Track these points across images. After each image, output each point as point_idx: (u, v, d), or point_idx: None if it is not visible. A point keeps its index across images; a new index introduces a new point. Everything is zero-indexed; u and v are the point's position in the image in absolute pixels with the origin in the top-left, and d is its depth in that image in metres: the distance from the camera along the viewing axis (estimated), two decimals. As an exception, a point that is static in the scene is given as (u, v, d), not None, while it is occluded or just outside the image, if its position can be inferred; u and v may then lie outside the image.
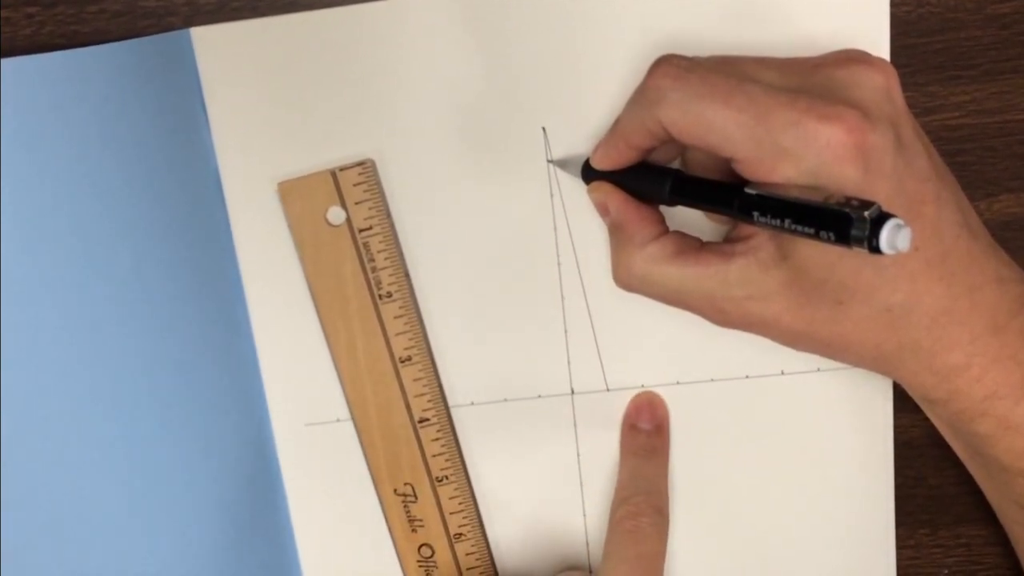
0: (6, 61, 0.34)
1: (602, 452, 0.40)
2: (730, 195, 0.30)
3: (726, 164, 0.31)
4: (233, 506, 0.39)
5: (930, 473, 0.40)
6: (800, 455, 0.39)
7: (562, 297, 0.39)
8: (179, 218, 0.37)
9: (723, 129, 0.30)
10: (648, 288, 0.34)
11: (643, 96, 0.32)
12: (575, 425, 0.40)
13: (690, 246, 0.33)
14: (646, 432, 0.39)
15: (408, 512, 0.40)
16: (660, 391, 0.39)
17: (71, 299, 0.36)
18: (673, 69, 0.31)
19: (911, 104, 0.36)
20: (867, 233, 0.26)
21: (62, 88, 0.35)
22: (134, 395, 0.37)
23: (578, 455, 0.40)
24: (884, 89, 0.30)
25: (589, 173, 0.36)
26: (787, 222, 0.28)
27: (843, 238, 0.27)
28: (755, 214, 0.30)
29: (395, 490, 0.40)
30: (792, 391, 0.39)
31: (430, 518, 0.40)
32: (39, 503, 0.37)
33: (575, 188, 0.37)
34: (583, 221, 0.38)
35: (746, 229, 0.32)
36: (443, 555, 0.40)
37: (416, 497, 0.40)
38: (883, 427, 0.39)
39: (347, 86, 0.37)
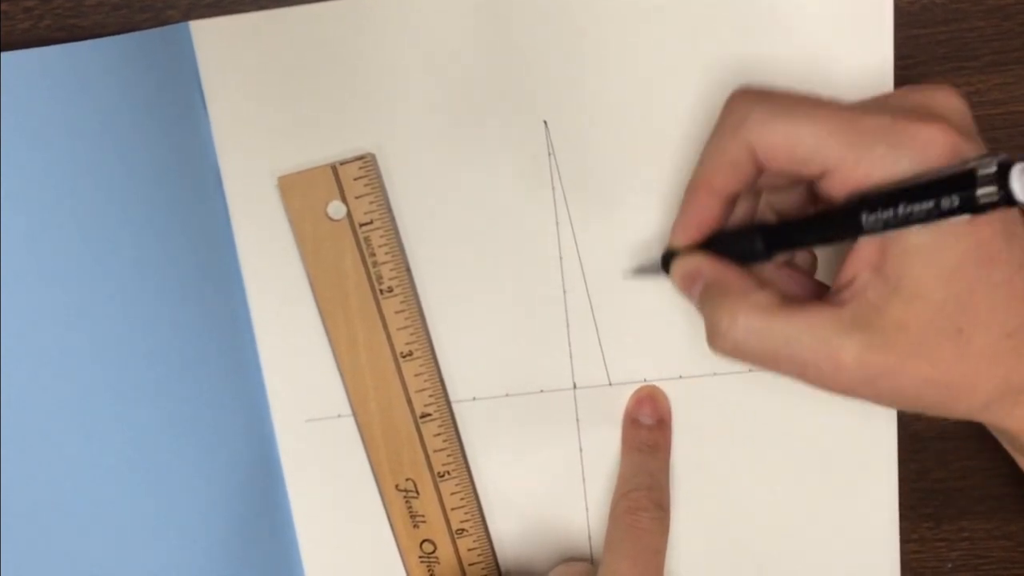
0: (5, 55, 0.34)
1: (604, 446, 0.40)
2: (830, 214, 0.29)
3: (804, 199, 0.32)
4: (234, 502, 0.39)
5: (934, 467, 0.40)
6: (803, 449, 0.39)
7: (564, 291, 0.38)
8: (179, 213, 0.37)
9: (813, 139, 0.29)
10: (755, 342, 0.31)
11: (726, 123, 0.31)
12: (577, 420, 0.40)
13: (795, 298, 0.31)
14: (648, 426, 0.39)
15: (410, 508, 0.40)
16: (662, 385, 0.39)
17: (70, 293, 0.36)
18: (752, 93, 0.31)
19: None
20: (995, 184, 0.23)
21: (61, 82, 0.35)
22: (134, 391, 0.37)
23: (580, 450, 0.40)
24: (964, 110, 0.29)
25: (670, 259, 0.34)
26: (901, 207, 0.26)
27: (969, 201, 0.24)
28: (863, 216, 0.28)
29: (396, 486, 0.40)
30: (795, 385, 0.39)
31: (432, 514, 0.40)
32: (39, 500, 0.37)
33: (577, 183, 0.37)
34: (584, 215, 0.38)
35: (846, 275, 0.30)
36: (445, 550, 0.40)
37: (418, 493, 0.40)
38: (887, 420, 0.39)
39: (347, 80, 0.37)
